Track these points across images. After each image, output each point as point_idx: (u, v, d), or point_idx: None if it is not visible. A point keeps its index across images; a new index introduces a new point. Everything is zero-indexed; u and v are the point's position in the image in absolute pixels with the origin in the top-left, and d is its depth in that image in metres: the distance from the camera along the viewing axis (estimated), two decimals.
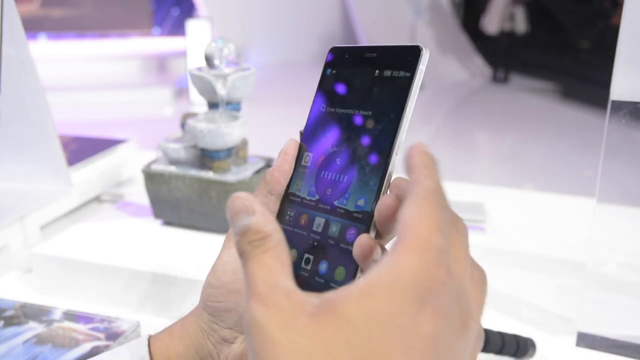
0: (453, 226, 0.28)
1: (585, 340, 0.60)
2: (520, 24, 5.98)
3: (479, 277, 0.28)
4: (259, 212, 0.29)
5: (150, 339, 0.40)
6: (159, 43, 7.03)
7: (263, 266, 0.27)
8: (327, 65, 0.38)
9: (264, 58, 6.78)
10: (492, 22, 6.01)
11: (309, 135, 0.38)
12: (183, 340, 0.39)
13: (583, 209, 0.94)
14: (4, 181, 0.88)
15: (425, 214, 0.26)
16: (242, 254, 0.28)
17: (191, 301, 0.64)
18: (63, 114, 4.07)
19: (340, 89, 0.37)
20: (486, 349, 0.53)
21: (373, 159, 0.33)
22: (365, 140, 0.34)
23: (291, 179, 0.38)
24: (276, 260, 0.27)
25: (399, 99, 0.33)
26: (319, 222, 0.35)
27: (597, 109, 4.87)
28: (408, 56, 0.34)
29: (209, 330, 0.38)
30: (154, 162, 0.79)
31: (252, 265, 0.27)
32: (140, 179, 0.96)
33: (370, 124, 0.34)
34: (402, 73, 0.34)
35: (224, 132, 0.72)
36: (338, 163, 0.35)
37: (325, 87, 0.38)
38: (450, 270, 0.25)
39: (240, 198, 0.29)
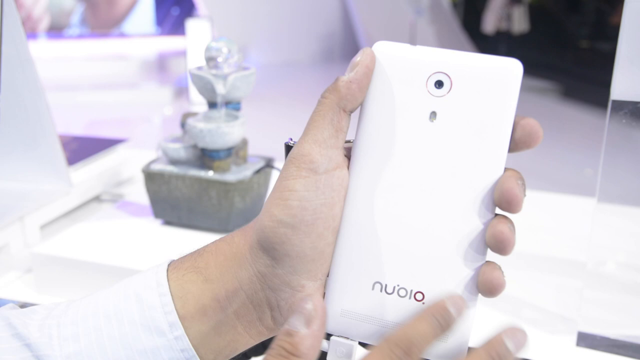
0: None
1: (585, 340, 0.60)
2: (518, 24, 5.97)
3: None
4: (314, 330, 0.26)
5: (170, 280, 0.33)
6: (159, 43, 7.02)
7: None
8: None
9: (264, 57, 6.78)
10: (489, 22, 6.01)
11: None
12: (226, 285, 0.32)
13: (583, 209, 0.94)
14: (4, 181, 0.88)
15: None
16: (269, 350, 0.27)
17: None
18: (63, 114, 4.06)
19: None
20: None
21: None
22: None
23: None
24: None
25: None
26: None
27: (597, 109, 4.86)
28: None
29: (269, 275, 0.31)
30: (154, 161, 0.79)
31: None
32: (140, 179, 0.96)
33: None
34: None
35: (224, 131, 0.72)
36: None
37: None
38: None
39: (310, 302, 0.27)
